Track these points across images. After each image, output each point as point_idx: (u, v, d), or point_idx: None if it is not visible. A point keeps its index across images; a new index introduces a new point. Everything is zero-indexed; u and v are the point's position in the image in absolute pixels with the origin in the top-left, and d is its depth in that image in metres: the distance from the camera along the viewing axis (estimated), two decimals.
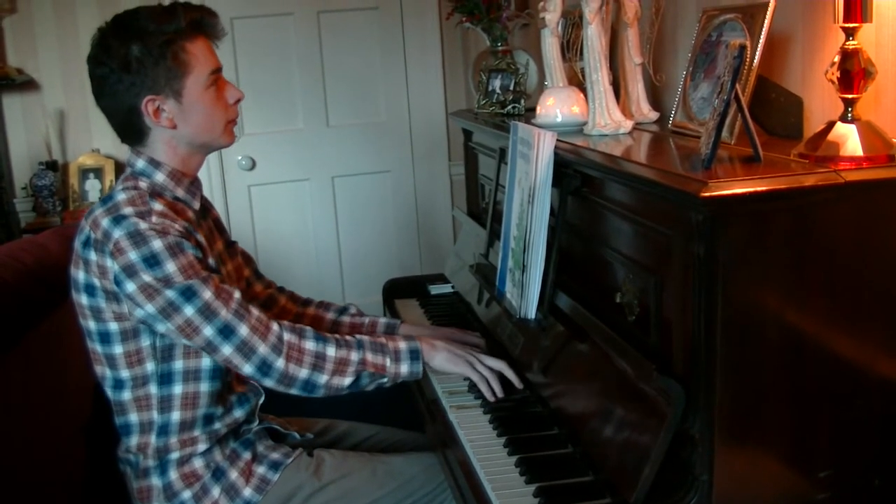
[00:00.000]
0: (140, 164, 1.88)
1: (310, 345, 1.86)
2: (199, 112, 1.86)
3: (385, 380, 1.93)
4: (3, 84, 4.05)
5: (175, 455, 1.88)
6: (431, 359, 1.98)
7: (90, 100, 4.08)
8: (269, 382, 1.84)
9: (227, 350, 1.79)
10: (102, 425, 1.95)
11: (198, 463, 1.90)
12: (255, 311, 1.83)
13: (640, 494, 1.43)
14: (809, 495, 1.47)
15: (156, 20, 1.81)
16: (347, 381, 1.88)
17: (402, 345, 1.96)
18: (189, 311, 1.75)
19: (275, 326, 1.84)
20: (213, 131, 1.90)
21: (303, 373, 1.84)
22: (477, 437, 1.86)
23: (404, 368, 1.94)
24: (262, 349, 1.80)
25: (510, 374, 2.01)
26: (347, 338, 1.92)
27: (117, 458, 1.97)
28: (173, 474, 1.89)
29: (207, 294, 1.76)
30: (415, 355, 1.95)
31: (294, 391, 1.86)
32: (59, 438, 2.07)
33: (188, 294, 1.75)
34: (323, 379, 1.85)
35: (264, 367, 1.81)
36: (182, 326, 1.76)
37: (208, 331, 1.77)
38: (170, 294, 1.74)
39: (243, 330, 1.79)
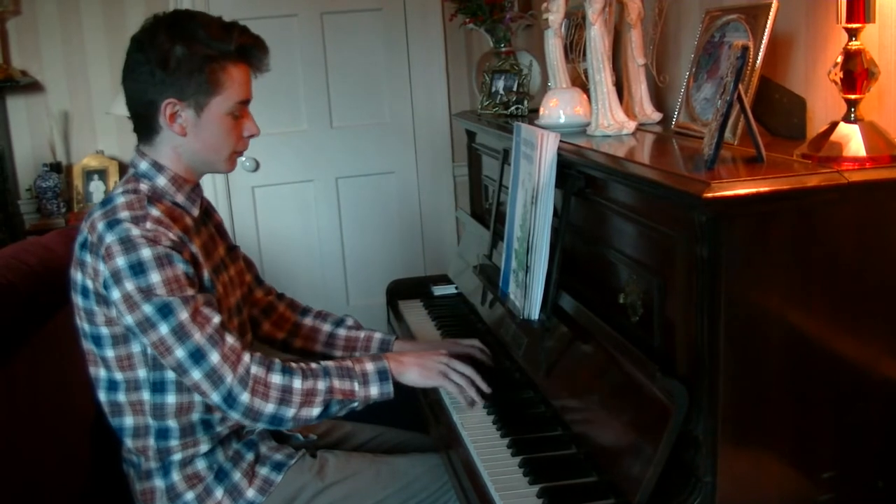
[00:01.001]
0: (143, 166, 1.88)
1: (276, 378, 1.81)
2: (212, 133, 1.85)
3: (355, 404, 1.89)
4: (7, 86, 4.05)
5: (177, 456, 1.89)
6: (401, 376, 1.94)
7: (94, 101, 4.06)
8: (234, 415, 1.79)
9: (196, 375, 1.75)
10: (107, 426, 1.95)
11: (200, 464, 1.90)
12: (229, 340, 1.79)
13: (644, 496, 1.43)
14: (813, 497, 1.47)
15: (210, 32, 1.80)
16: (316, 411, 1.84)
17: (370, 366, 1.91)
18: (163, 329, 1.73)
19: (245, 358, 1.79)
20: (217, 154, 1.89)
21: (269, 407, 1.79)
22: (480, 437, 1.86)
23: (374, 390, 1.89)
24: (230, 379, 1.76)
25: (479, 381, 1.99)
26: (313, 366, 1.88)
27: (122, 458, 1.98)
28: (176, 476, 1.89)
29: (184, 315, 1.73)
30: (383, 376, 1.90)
31: (261, 425, 1.83)
32: (64, 439, 2.07)
33: (165, 311, 1.72)
34: (290, 412, 1.81)
35: (230, 399, 1.77)
36: (156, 343, 1.74)
37: (180, 352, 1.74)
38: (147, 309, 1.72)
39: (214, 357, 1.75)
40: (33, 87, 4.17)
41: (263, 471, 1.94)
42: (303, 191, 4.33)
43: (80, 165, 4.23)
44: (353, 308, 4.34)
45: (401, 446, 2.23)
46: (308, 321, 2.28)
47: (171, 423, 1.86)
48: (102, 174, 4.23)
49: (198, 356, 1.74)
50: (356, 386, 1.88)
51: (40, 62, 4.18)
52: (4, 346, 1.86)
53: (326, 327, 2.27)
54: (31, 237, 3.01)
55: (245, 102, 1.88)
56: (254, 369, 1.79)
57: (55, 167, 4.18)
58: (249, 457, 1.95)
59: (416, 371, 1.95)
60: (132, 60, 1.83)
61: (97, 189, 4.22)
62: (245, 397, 1.77)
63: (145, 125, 1.87)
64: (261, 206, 4.30)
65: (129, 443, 1.90)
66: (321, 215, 4.36)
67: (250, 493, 1.91)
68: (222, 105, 1.83)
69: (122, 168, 4.28)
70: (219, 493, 1.90)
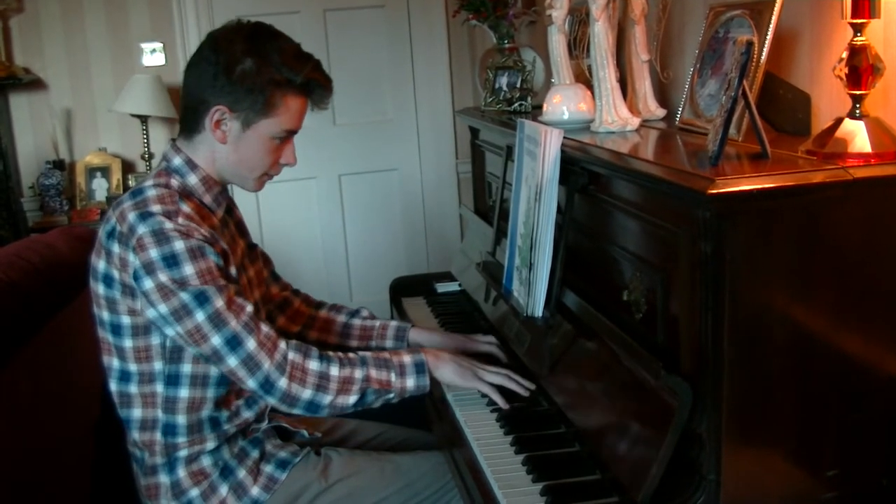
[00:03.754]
0: (177, 161, 1.88)
1: (313, 364, 1.83)
2: (251, 150, 1.86)
3: (392, 395, 1.90)
4: (10, 83, 4.06)
5: (183, 453, 1.89)
6: (437, 370, 1.95)
7: (97, 99, 4.06)
8: (271, 400, 1.82)
9: (232, 362, 1.77)
10: (111, 423, 1.95)
11: (206, 461, 1.90)
12: (264, 328, 1.81)
13: (648, 493, 1.43)
14: (817, 494, 1.46)
15: (284, 58, 1.81)
16: (353, 399, 1.85)
17: (407, 358, 1.93)
18: (200, 316, 1.74)
19: (282, 344, 1.82)
20: (250, 172, 1.90)
21: (306, 393, 1.81)
22: (484, 435, 1.86)
23: (410, 382, 1.91)
24: (267, 365, 1.78)
25: (513, 385, 1.97)
26: (350, 355, 1.90)
27: (127, 450, 1.97)
28: (181, 472, 1.89)
29: (220, 302, 1.75)
30: (420, 368, 1.92)
31: (297, 411, 1.84)
32: (68, 437, 2.07)
33: (201, 299, 1.74)
34: (327, 399, 1.83)
35: (267, 385, 1.79)
36: (191, 332, 1.75)
37: (216, 340, 1.75)
38: (184, 296, 1.74)
39: (251, 344, 1.77)
40: (36, 84, 4.18)
41: (268, 468, 1.94)
42: (306, 188, 4.34)
43: (82, 163, 4.23)
44: (356, 305, 4.34)
45: (404, 444, 2.23)
46: (323, 313, 2.29)
47: (180, 419, 1.87)
48: (105, 171, 4.23)
49: (234, 343, 1.76)
50: (393, 377, 1.89)
51: (43, 60, 4.18)
52: (7, 345, 1.86)
53: (342, 318, 2.29)
54: (33, 235, 3.02)
55: (292, 132, 1.89)
56: (291, 355, 1.82)
57: (58, 165, 4.18)
58: (254, 454, 1.95)
59: (451, 368, 1.96)
60: (202, 56, 1.84)
61: (100, 186, 4.22)
62: (283, 382, 1.79)
63: (191, 120, 1.87)
64: (264, 203, 4.30)
65: (135, 435, 1.91)
66: (324, 212, 4.37)
67: (255, 490, 1.91)
68: (270, 128, 1.84)
69: (126, 165, 4.28)
70: (223, 490, 1.90)
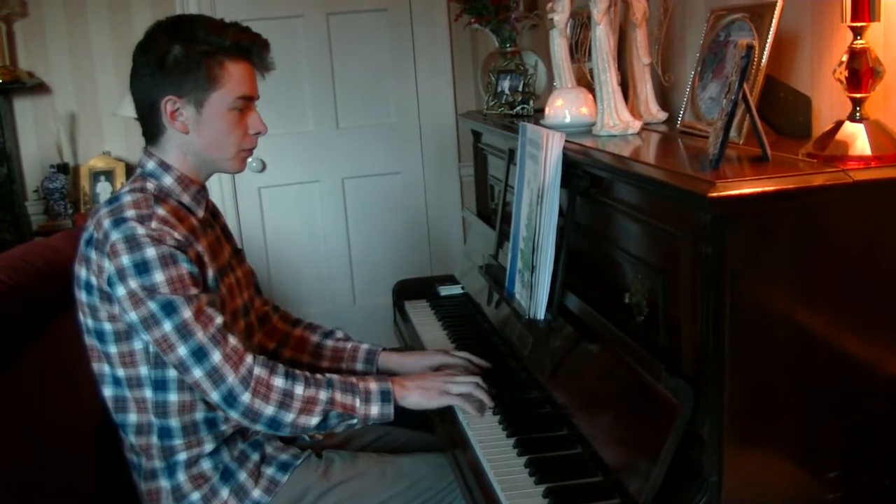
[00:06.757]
0: (150, 165, 1.89)
1: (278, 381, 1.82)
2: (215, 129, 1.86)
3: (355, 421, 1.88)
4: (14, 87, 4.07)
5: (183, 456, 1.89)
6: (403, 399, 1.93)
7: (101, 102, 4.07)
8: (234, 414, 1.80)
9: (197, 373, 1.76)
10: (113, 427, 1.96)
11: (206, 464, 1.91)
12: (231, 340, 1.79)
13: (649, 495, 1.43)
14: (819, 496, 1.47)
15: (206, 30, 1.83)
16: (315, 420, 1.83)
17: (374, 385, 1.91)
18: (167, 326, 1.74)
19: (248, 359, 1.80)
20: (223, 152, 1.90)
21: (269, 409, 1.80)
22: (486, 437, 1.86)
23: (374, 410, 1.89)
24: (231, 379, 1.77)
25: (481, 394, 1.97)
26: (318, 376, 1.88)
27: (125, 456, 1.98)
28: (181, 476, 1.89)
29: (187, 313, 1.75)
30: (386, 397, 1.90)
31: (259, 427, 1.82)
32: (71, 439, 2.08)
33: (168, 309, 1.74)
34: (289, 417, 1.81)
35: (230, 398, 1.78)
36: (159, 340, 1.75)
37: (182, 350, 1.75)
38: (151, 305, 1.74)
39: (216, 356, 1.76)
40: (40, 88, 4.19)
41: (269, 471, 1.95)
42: (309, 191, 4.34)
43: (86, 167, 4.24)
44: (360, 308, 4.35)
45: (406, 445, 2.23)
46: (297, 331, 2.28)
47: (174, 423, 1.87)
48: (109, 175, 4.24)
49: (200, 355, 1.76)
50: (357, 402, 1.88)
51: (47, 64, 4.19)
52: (12, 347, 1.87)
53: (315, 338, 2.28)
54: (37, 238, 3.03)
55: (248, 98, 1.88)
56: (257, 370, 1.80)
57: (62, 168, 4.19)
58: (255, 457, 1.96)
59: (417, 394, 1.94)
60: (136, 64, 1.86)
61: (104, 190, 4.23)
62: (246, 397, 1.78)
63: (150, 126, 1.89)
64: (267, 206, 4.31)
65: (132, 439, 1.91)
66: (327, 216, 4.37)
67: (256, 493, 1.92)
68: (222, 100, 1.85)
69: (129, 169, 4.29)
70: (224, 493, 1.90)
